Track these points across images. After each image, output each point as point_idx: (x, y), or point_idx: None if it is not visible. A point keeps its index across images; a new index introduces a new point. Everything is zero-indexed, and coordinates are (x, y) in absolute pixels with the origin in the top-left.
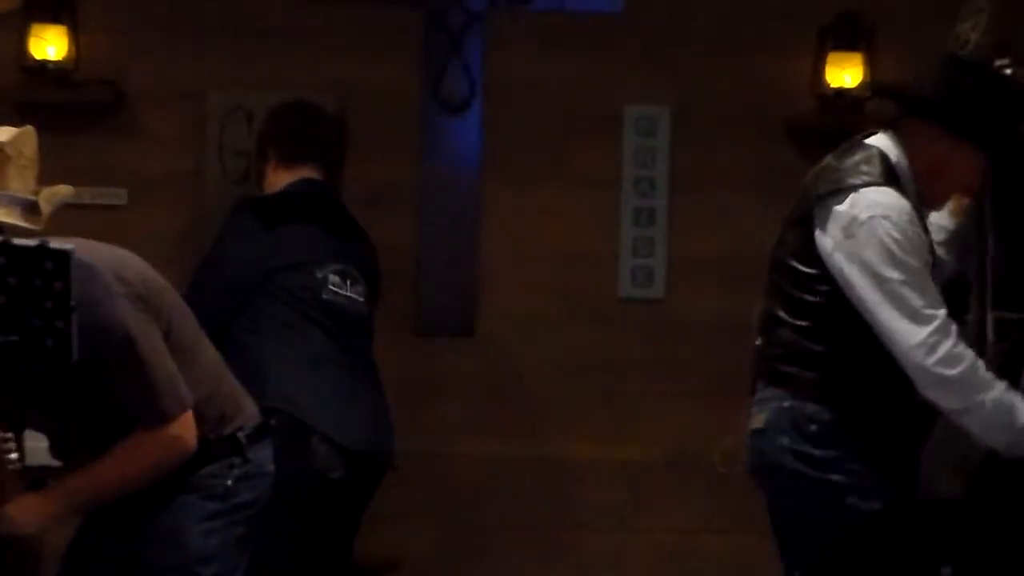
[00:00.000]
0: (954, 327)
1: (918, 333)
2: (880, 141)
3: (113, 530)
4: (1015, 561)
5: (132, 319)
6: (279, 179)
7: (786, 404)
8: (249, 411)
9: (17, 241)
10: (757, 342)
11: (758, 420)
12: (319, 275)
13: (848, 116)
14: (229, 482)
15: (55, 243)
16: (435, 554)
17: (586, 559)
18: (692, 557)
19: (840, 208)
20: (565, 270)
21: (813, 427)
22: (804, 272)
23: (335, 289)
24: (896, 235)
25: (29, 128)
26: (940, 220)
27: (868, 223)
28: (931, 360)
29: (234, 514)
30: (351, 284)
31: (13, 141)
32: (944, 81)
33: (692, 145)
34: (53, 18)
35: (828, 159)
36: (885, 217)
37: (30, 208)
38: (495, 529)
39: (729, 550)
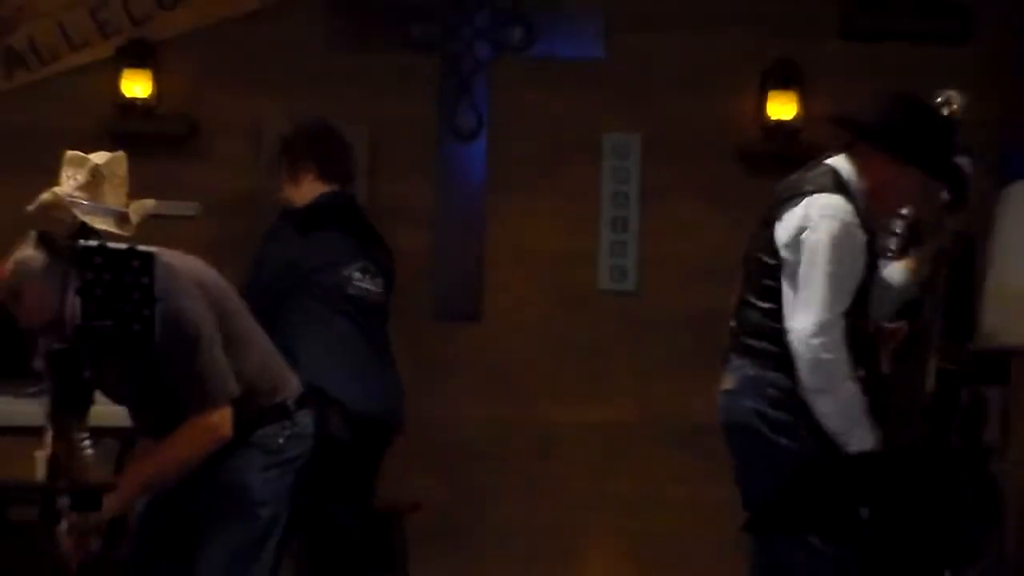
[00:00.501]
0: (842, 327)
1: (817, 316)
2: (836, 161)
3: (186, 478)
4: (919, 503)
5: (204, 320)
6: (313, 191)
7: (751, 372)
8: (294, 384)
9: (111, 244)
10: (731, 323)
11: (728, 382)
12: (345, 273)
13: (786, 143)
14: (281, 440)
15: (142, 247)
16: (447, 499)
17: (570, 503)
18: (659, 503)
19: (796, 209)
20: (554, 267)
21: (772, 391)
22: (768, 263)
23: (358, 284)
24: (838, 234)
25: (120, 153)
26: (893, 276)
27: (819, 221)
28: (816, 341)
29: (285, 466)
30: (371, 278)
31: (108, 163)
32: (891, 114)
33: (659, 166)
34: (140, 64)
35: (795, 173)
36: (832, 218)
37: (122, 218)
38: (495, 479)
39: (691, 498)
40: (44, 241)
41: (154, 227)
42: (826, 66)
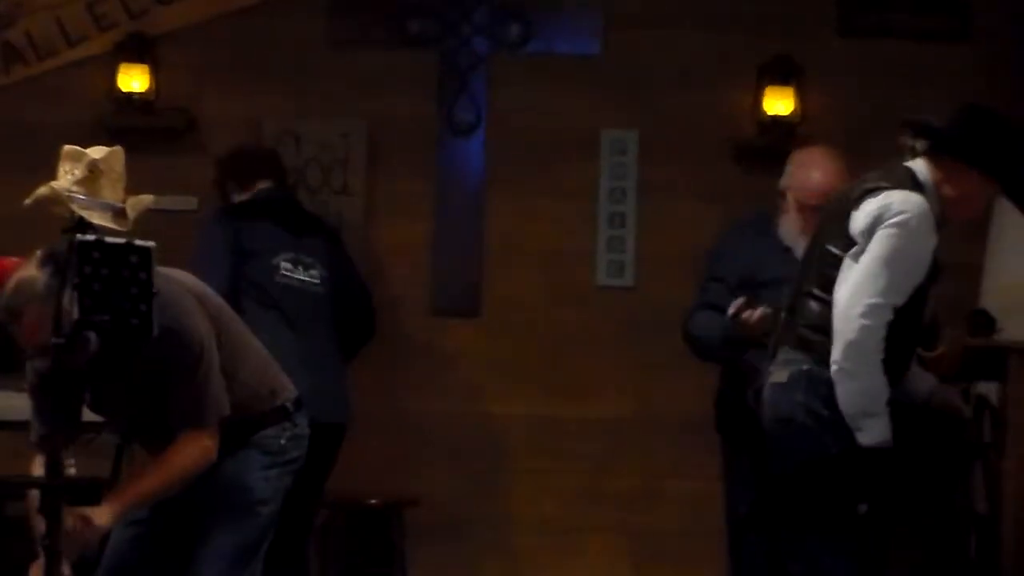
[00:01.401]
0: (888, 319)
1: (869, 297)
2: (914, 164)
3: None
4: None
5: (205, 338)
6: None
7: (806, 367)
8: (290, 386)
9: (108, 239)
10: (784, 315)
11: (780, 375)
12: (273, 262)
13: (782, 139)
14: (282, 441)
15: (139, 241)
16: (446, 493)
17: (569, 499)
18: (657, 496)
19: (877, 198)
20: (553, 263)
21: (825, 389)
22: (836, 254)
23: (287, 274)
24: (913, 228)
25: (118, 148)
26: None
27: (898, 213)
28: (860, 321)
29: (285, 467)
30: (304, 269)
31: (106, 158)
32: (974, 126)
33: (656, 162)
34: (137, 58)
35: (872, 172)
36: (912, 213)
37: (119, 213)
38: (496, 472)
39: (688, 492)
40: (49, 260)
41: (154, 221)
42: (824, 62)
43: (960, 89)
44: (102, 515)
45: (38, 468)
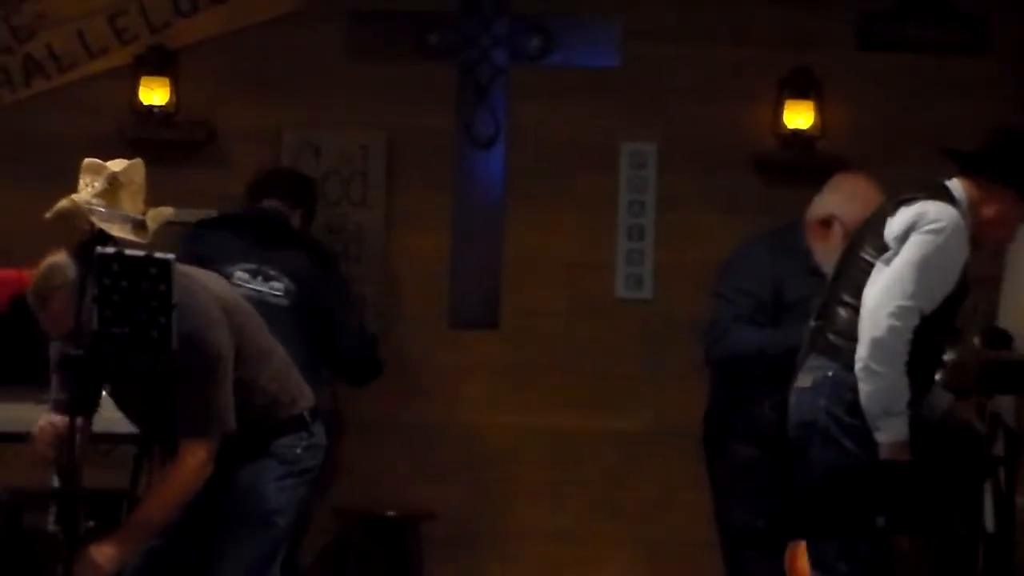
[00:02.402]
0: (916, 323)
1: (899, 299)
2: (951, 183)
3: (206, 487)
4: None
5: (224, 346)
6: None
7: (830, 373)
8: (309, 395)
9: (128, 251)
10: (813, 322)
11: (805, 380)
12: (227, 271)
13: (803, 152)
14: (299, 450)
15: (159, 254)
16: (465, 507)
17: (586, 511)
18: (672, 508)
19: (914, 207)
20: (572, 275)
21: (850, 395)
22: (870, 261)
23: (242, 284)
24: (947, 237)
25: (138, 160)
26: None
27: (933, 222)
28: (888, 321)
29: (300, 476)
30: (263, 280)
31: (126, 170)
32: (1014, 150)
33: (675, 175)
34: (158, 71)
35: (909, 188)
36: (946, 223)
37: (139, 225)
38: (511, 487)
39: (704, 504)
40: (81, 253)
41: (175, 233)
42: (843, 76)
43: (979, 101)
44: (107, 558)
45: (44, 418)
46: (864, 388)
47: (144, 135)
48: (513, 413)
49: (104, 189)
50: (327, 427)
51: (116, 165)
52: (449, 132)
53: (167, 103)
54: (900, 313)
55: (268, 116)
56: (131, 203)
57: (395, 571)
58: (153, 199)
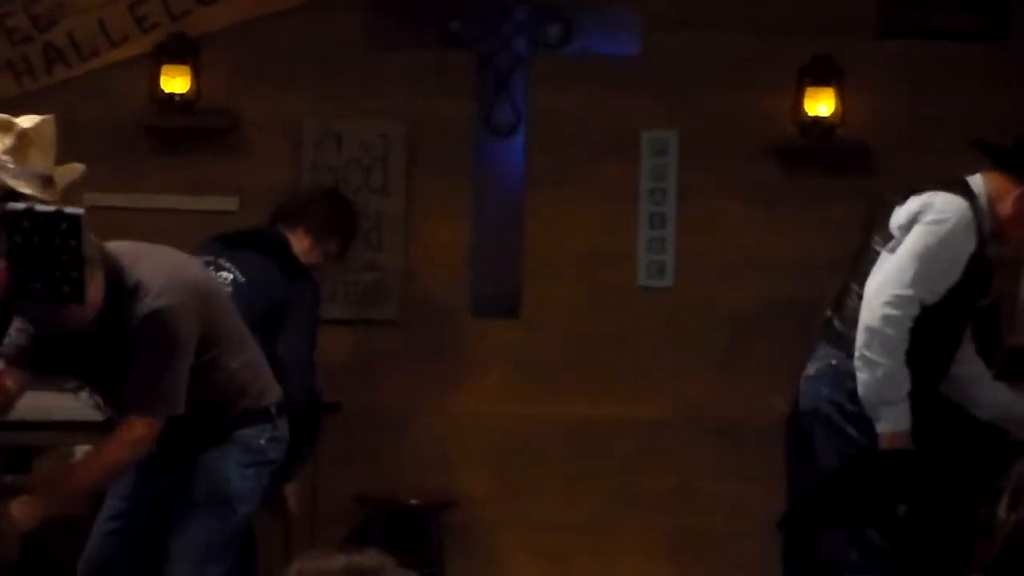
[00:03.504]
0: (915, 313)
1: (896, 288)
2: (972, 179)
3: (168, 469)
4: (953, 501)
5: (187, 330)
6: None
7: (834, 361)
8: (277, 390)
9: (38, 207)
10: (827, 311)
11: (811, 369)
12: None
13: (824, 140)
14: (262, 441)
15: (69, 208)
16: (485, 494)
17: (607, 498)
18: (693, 497)
19: (921, 197)
20: (593, 264)
21: (851, 383)
22: (878, 250)
23: None
24: (950, 227)
25: (49, 116)
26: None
27: (937, 212)
28: (884, 311)
29: (263, 467)
30: (214, 270)
31: (36, 127)
32: None
33: (696, 163)
34: (179, 59)
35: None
36: (951, 214)
37: (47, 182)
38: (532, 475)
39: (723, 492)
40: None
41: (194, 221)
42: (864, 63)
43: (1001, 88)
44: (26, 514)
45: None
46: (861, 377)
47: (165, 123)
48: (533, 402)
49: (13, 146)
50: (311, 412)
51: (26, 121)
52: (469, 121)
53: (188, 91)
54: (898, 302)
55: (289, 105)
56: (42, 160)
57: (416, 559)
58: (174, 187)
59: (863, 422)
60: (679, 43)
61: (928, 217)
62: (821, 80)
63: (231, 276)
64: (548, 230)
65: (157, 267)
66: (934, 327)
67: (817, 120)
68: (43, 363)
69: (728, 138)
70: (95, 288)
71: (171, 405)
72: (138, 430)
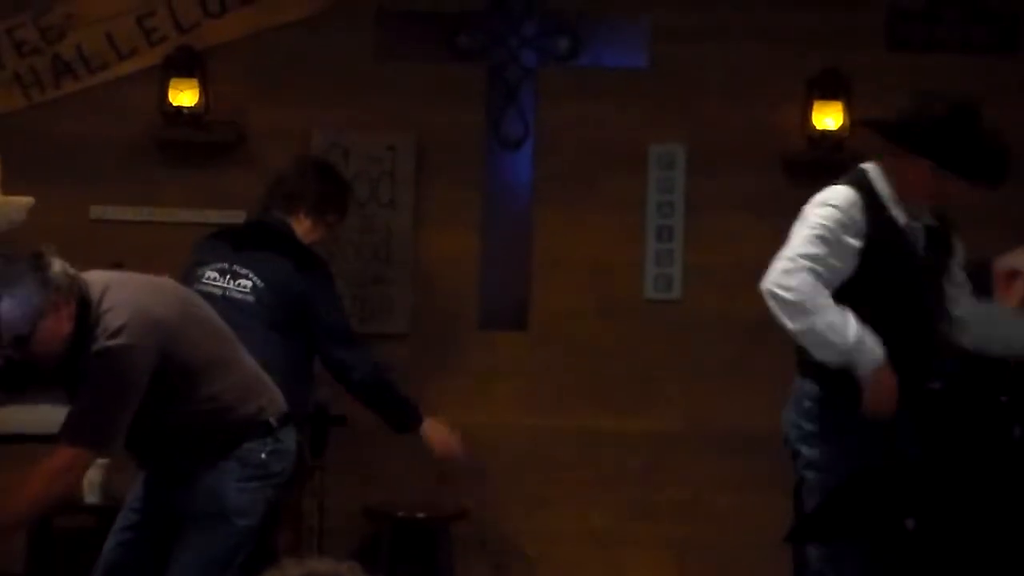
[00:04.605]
0: (804, 275)
1: (786, 256)
2: (868, 165)
3: (173, 484)
4: (963, 514)
5: (138, 374)
6: None
7: (796, 384)
8: (279, 402)
9: None
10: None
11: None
12: (198, 272)
13: (832, 153)
14: (263, 455)
15: None
16: (494, 508)
17: (617, 510)
18: (702, 510)
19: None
20: (600, 276)
21: (807, 403)
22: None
23: (207, 282)
24: (829, 213)
25: None
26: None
27: (821, 200)
28: (768, 285)
29: (266, 480)
30: (231, 279)
31: None
32: (908, 111)
33: (704, 176)
34: (187, 73)
35: None
36: (832, 201)
37: None
38: (542, 487)
39: (737, 507)
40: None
41: (204, 235)
42: (872, 76)
43: (1010, 101)
44: None
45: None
46: (810, 347)
47: (173, 136)
48: (541, 414)
49: None
50: (318, 425)
51: None
52: (477, 133)
53: (196, 104)
54: (779, 274)
55: (297, 117)
56: None
57: (425, 572)
58: (180, 200)
59: (812, 439)
60: (687, 56)
61: (812, 202)
62: (829, 93)
63: (251, 284)
64: (556, 242)
65: (123, 303)
66: (889, 314)
67: (825, 133)
68: (18, 386)
69: (736, 151)
70: (66, 317)
71: (103, 441)
72: (61, 459)
